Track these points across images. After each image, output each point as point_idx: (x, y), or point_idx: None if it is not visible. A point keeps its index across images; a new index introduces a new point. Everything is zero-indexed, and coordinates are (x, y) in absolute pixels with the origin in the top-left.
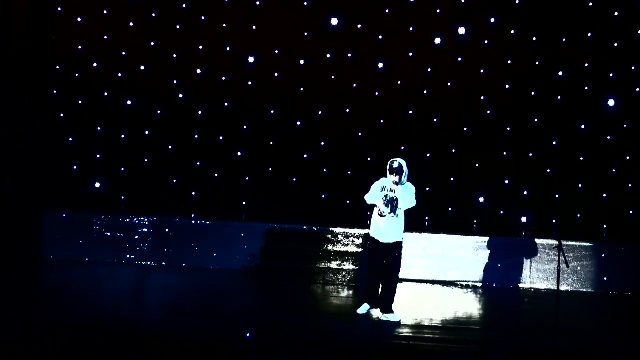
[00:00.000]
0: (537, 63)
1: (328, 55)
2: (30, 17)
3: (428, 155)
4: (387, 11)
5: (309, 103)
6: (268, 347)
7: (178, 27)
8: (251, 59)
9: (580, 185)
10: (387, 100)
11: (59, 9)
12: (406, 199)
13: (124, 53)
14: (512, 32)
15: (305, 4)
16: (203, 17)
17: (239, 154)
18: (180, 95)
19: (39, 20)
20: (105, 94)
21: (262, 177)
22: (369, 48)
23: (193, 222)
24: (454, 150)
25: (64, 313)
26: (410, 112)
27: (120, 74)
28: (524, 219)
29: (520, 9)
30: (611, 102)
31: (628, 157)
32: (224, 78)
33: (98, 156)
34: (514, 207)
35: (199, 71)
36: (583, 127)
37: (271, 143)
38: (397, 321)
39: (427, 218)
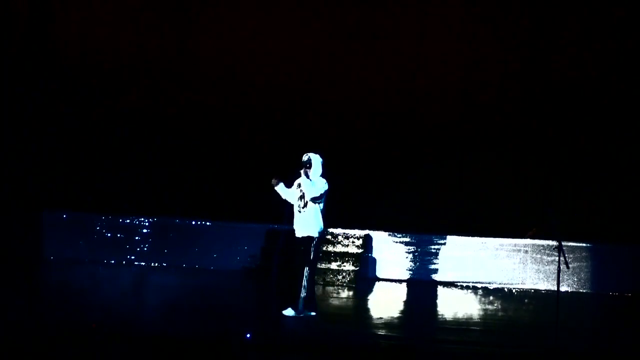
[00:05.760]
0: (537, 63)
1: (328, 56)
2: (30, 16)
3: (428, 155)
4: (387, 11)
5: (309, 103)
6: (268, 347)
7: (178, 27)
8: (251, 59)
9: (580, 186)
10: (387, 100)
11: (59, 8)
12: (309, 190)
13: (124, 53)
14: (512, 32)
15: (305, 4)
16: (203, 18)
17: (239, 154)
18: (181, 95)
19: (39, 20)
20: (106, 93)
21: (262, 177)
22: (369, 48)
23: (193, 222)
24: (454, 151)
25: (64, 313)
26: (410, 112)
27: (120, 74)
28: (524, 220)
29: (520, 9)
30: (611, 102)
31: (628, 158)
32: (224, 78)
33: (98, 156)
34: (514, 207)
35: (199, 71)
36: (583, 127)
37: (271, 143)
38: (288, 315)
39: (427, 218)
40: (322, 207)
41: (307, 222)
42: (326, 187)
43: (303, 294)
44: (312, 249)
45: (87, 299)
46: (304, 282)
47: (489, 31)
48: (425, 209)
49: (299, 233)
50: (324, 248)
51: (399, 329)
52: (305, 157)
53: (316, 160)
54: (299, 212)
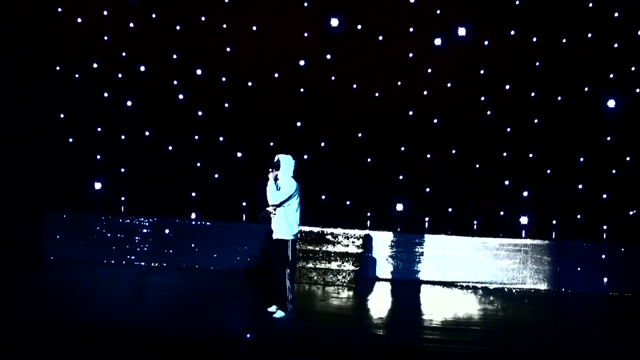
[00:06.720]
0: (537, 63)
1: (328, 56)
2: (30, 18)
3: (428, 155)
4: (387, 12)
5: (309, 103)
6: (268, 347)
7: (178, 27)
8: (251, 60)
9: (580, 186)
10: (387, 100)
11: (59, 9)
12: (272, 197)
13: (124, 53)
14: (512, 32)
15: (306, 4)
16: (203, 18)
17: (239, 154)
18: (180, 96)
19: (39, 21)
20: (105, 94)
21: (262, 178)
22: (369, 49)
23: (193, 223)
24: (454, 151)
25: (64, 313)
26: (410, 112)
27: (120, 75)
28: (524, 220)
29: (520, 9)
30: (611, 103)
31: (628, 158)
32: (223, 79)
33: (98, 156)
34: (514, 207)
35: (199, 72)
36: (583, 128)
37: (271, 144)
38: (278, 317)
39: (427, 218)
40: (296, 209)
41: (280, 225)
42: (293, 190)
43: (290, 295)
44: (289, 252)
45: (87, 299)
46: (288, 284)
47: (488, 31)
48: (425, 209)
49: (274, 235)
50: (324, 248)
51: (398, 329)
52: (275, 159)
53: (285, 161)
54: (273, 214)
